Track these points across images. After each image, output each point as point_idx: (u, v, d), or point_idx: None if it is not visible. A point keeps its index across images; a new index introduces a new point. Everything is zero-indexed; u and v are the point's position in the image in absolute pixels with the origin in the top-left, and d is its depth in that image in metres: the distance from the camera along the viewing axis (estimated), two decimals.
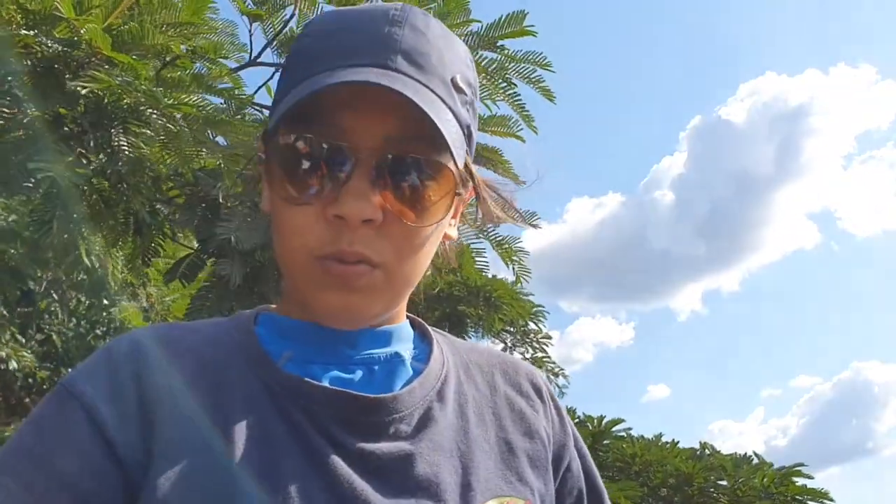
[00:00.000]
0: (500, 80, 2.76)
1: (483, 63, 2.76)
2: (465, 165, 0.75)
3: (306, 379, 0.71)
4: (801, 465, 5.12)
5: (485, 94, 2.85)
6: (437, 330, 0.84)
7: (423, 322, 0.83)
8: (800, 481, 5.03)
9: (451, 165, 0.70)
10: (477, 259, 3.88)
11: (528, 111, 2.84)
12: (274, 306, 0.81)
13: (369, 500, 0.66)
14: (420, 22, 0.72)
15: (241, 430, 0.67)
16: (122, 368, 0.69)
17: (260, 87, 3.07)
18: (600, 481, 0.87)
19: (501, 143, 3.09)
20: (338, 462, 0.67)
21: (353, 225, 0.68)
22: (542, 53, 2.80)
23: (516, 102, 2.85)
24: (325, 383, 0.71)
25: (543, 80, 2.85)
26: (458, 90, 0.73)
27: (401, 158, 0.69)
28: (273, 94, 0.82)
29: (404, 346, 0.78)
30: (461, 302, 7.13)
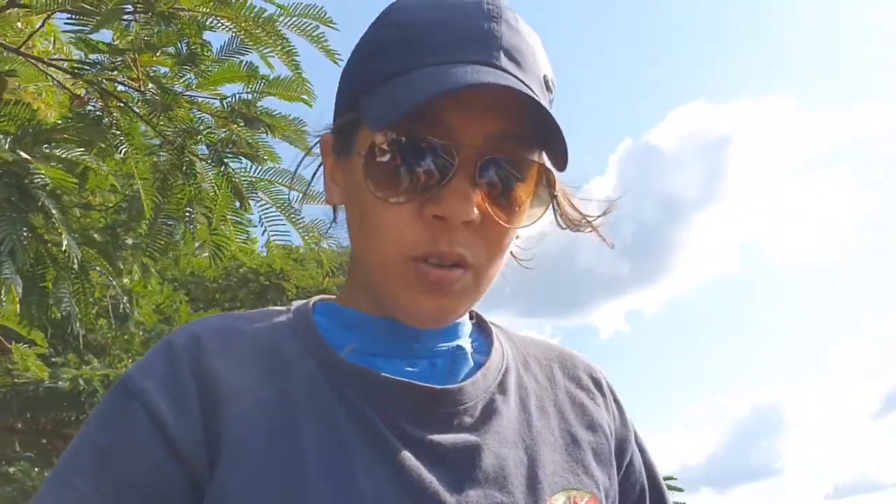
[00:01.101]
0: (270, 34, 2.50)
1: (253, 15, 2.50)
2: (545, 167, 0.73)
3: (371, 369, 0.70)
4: (671, 478, 4.94)
5: (259, 48, 2.59)
6: (495, 323, 0.83)
7: (480, 314, 0.83)
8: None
9: (543, 165, 0.70)
10: None
11: (302, 71, 2.60)
12: (333, 297, 0.79)
13: (437, 492, 0.66)
14: (512, 17, 0.71)
15: (307, 422, 0.67)
16: (182, 363, 0.68)
17: None
18: (661, 479, 0.85)
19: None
20: (405, 453, 0.67)
21: (454, 225, 0.67)
22: (321, 7, 2.55)
23: (292, 61, 2.59)
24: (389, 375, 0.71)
25: (326, 39, 2.60)
26: (549, 89, 0.73)
27: (500, 159, 0.68)
28: (341, 78, 0.77)
29: (465, 339, 0.78)
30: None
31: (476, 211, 0.67)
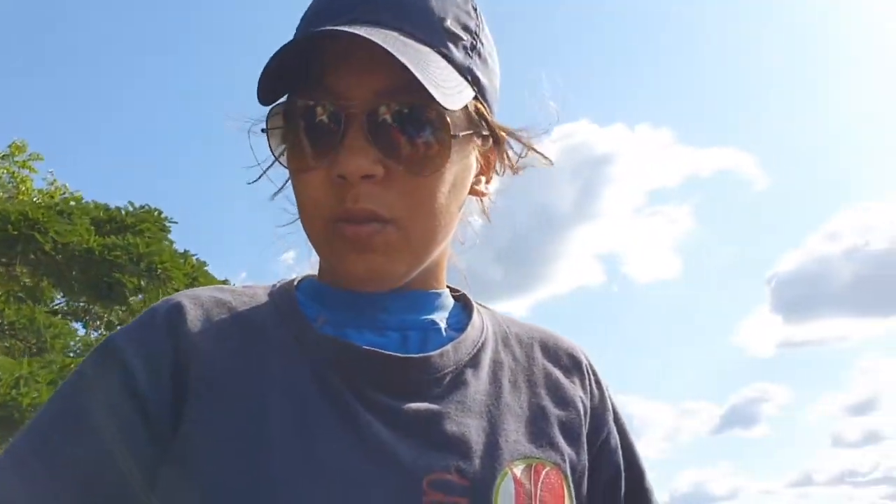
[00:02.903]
0: None
1: None
2: (479, 112, 0.74)
3: (341, 338, 0.72)
4: None
5: None
6: (482, 304, 0.84)
7: (466, 294, 0.84)
8: None
9: (446, 111, 0.68)
10: None
11: None
12: (316, 273, 0.81)
13: (398, 456, 0.67)
14: None
15: (275, 389, 0.69)
16: (160, 327, 0.71)
17: None
18: (641, 460, 0.85)
19: None
20: (368, 418, 0.68)
21: (355, 182, 0.68)
22: None
23: None
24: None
25: None
26: (451, 35, 0.72)
27: (393, 110, 0.68)
28: None
29: (441, 314, 0.79)
30: (119, 269, 6.53)
31: (377, 165, 0.68)
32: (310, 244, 0.76)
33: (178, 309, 0.73)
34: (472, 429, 0.71)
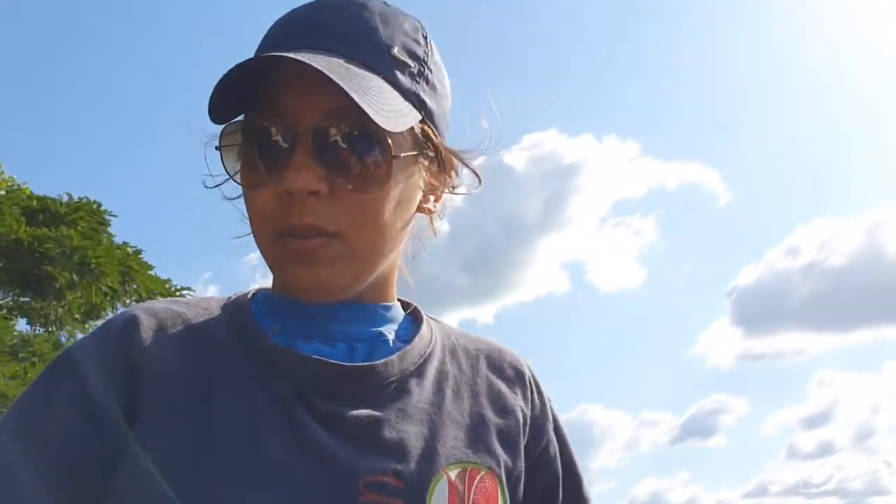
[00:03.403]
0: None
1: None
2: (426, 134, 0.78)
3: (289, 347, 0.76)
4: None
5: None
6: (433, 317, 0.88)
7: (418, 308, 0.87)
8: None
9: (389, 132, 0.72)
10: None
11: None
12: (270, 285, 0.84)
13: (337, 458, 0.71)
14: (354, 6, 0.77)
15: (225, 398, 0.73)
16: (115, 339, 0.75)
17: None
18: (580, 468, 0.89)
19: None
20: (311, 423, 0.72)
21: (301, 198, 0.71)
22: None
23: None
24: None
25: None
26: (397, 62, 0.76)
27: (341, 131, 0.72)
28: None
29: (390, 326, 0.82)
30: (50, 262, 6.30)
31: (322, 182, 0.71)
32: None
33: (132, 321, 0.76)
34: (412, 435, 0.75)
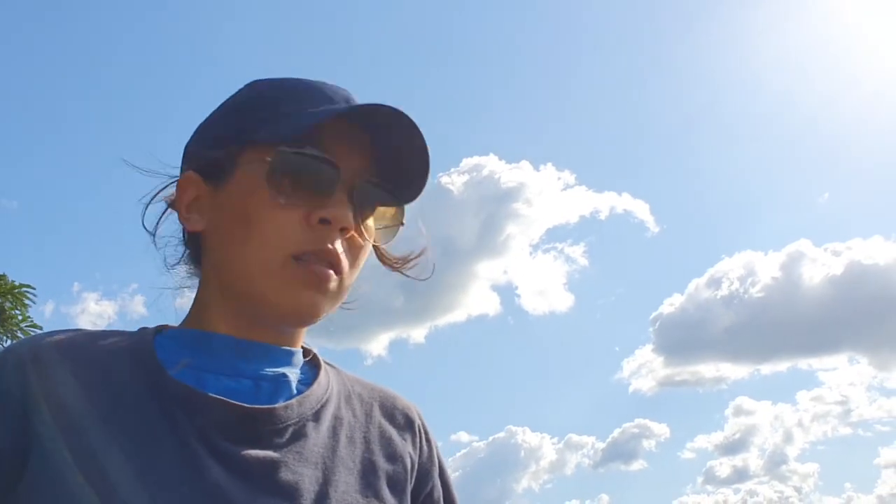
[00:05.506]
0: None
1: None
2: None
3: (190, 386, 0.77)
4: None
5: None
6: (329, 362, 0.92)
7: (317, 353, 0.91)
8: None
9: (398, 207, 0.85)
10: None
11: None
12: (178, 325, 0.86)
13: (231, 499, 0.72)
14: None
15: (123, 431, 0.73)
16: (10, 371, 0.74)
17: None
18: None
19: None
20: (209, 462, 0.73)
21: (335, 228, 0.78)
22: None
23: None
24: (213, 392, 0.77)
25: None
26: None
27: (371, 184, 0.82)
28: (203, 130, 0.89)
29: (293, 369, 0.85)
30: None
31: (353, 224, 0.80)
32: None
33: (33, 355, 0.76)
34: (306, 478, 0.77)
